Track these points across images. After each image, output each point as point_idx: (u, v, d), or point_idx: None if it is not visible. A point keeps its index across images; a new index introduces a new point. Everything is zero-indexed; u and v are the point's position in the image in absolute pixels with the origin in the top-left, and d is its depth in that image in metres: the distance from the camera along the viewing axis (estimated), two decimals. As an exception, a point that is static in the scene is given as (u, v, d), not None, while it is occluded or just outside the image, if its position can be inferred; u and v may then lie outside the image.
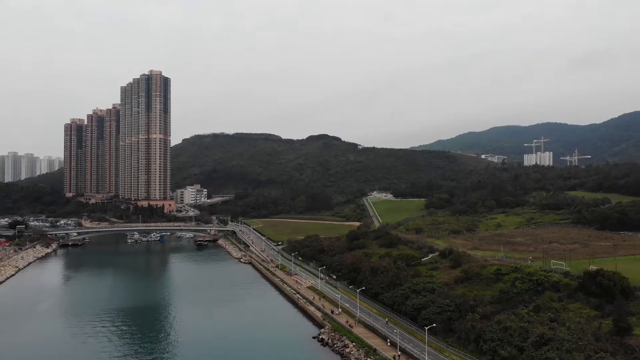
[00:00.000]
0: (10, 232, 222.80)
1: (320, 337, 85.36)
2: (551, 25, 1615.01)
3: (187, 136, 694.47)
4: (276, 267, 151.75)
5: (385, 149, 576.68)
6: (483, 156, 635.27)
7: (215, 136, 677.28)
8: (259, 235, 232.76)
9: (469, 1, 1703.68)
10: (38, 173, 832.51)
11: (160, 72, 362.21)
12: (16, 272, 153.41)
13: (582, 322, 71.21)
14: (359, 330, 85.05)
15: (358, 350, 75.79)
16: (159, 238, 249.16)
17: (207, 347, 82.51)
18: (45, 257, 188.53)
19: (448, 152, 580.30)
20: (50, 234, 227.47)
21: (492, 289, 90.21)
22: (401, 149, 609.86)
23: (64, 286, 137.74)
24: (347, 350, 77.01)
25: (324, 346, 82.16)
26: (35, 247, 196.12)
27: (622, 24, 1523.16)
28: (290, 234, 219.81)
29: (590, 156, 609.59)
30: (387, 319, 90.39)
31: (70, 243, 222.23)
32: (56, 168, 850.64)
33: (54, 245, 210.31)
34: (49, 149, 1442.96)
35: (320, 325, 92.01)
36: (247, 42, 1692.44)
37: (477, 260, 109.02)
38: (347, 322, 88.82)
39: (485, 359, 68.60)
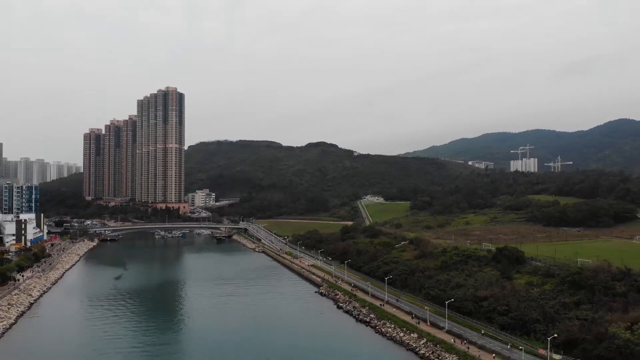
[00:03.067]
0: (57, 230, 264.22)
1: (320, 291, 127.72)
2: (543, 33, 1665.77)
3: (192, 143, 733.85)
4: (285, 253, 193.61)
5: (379, 155, 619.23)
6: (470, 162, 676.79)
7: (219, 143, 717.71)
8: (267, 231, 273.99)
9: (466, 9, 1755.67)
10: (48, 178, 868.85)
11: (176, 88, 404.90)
12: (79, 258, 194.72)
13: (486, 277, 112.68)
14: (347, 287, 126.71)
15: (344, 296, 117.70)
16: (181, 235, 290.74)
17: (243, 302, 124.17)
18: (93, 248, 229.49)
19: (437, 159, 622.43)
20: (91, 231, 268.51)
21: (437, 260, 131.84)
22: (394, 156, 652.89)
23: (121, 269, 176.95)
24: (337, 297, 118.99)
25: (322, 296, 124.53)
26: (84, 241, 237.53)
27: (613, 33, 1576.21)
28: (293, 231, 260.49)
29: (571, 162, 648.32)
30: (368, 282, 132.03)
31: (108, 238, 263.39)
32: (65, 173, 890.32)
33: (96, 240, 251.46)
34: (55, 155, 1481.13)
35: (319, 285, 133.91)
36: (248, 49, 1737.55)
37: (433, 244, 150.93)
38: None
39: (420, 297, 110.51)
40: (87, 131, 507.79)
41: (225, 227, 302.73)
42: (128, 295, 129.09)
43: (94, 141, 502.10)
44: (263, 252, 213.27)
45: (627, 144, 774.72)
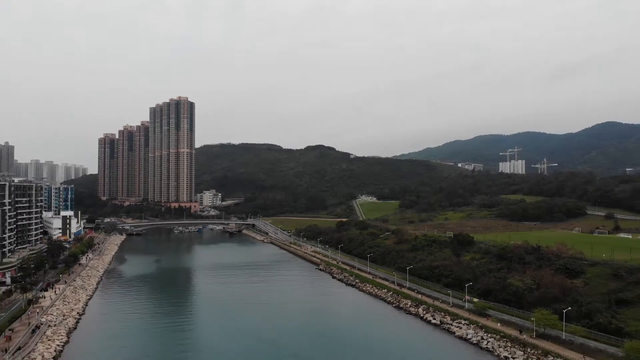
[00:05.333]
0: (90, 225, 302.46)
1: (319, 268, 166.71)
2: (538, 36, 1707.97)
3: (197, 145, 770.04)
4: (290, 243, 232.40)
5: (374, 157, 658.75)
6: (460, 164, 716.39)
7: (222, 146, 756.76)
8: (273, 226, 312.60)
9: (466, 11, 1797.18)
10: (57, 179, 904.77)
11: (187, 97, 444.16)
12: (117, 248, 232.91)
13: (442, 255, 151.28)
14: (341, 265, 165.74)
15: (338, 270, 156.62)
16: (197, 230, 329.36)
17: (263, 275, 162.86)
18: (125, 241, 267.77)
19: (428, 161, 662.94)
20: (119, 227, 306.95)
21: (410, 245, 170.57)
22: (388, 158, 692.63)
23: (157, 255, 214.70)
24: (332, 270, 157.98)
25: (321, 271, 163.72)
26: (116, 235, 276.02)
27: (607, 35, 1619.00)
28: (296, 226, 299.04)
29: (557, 164, 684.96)
30: (356, 260, 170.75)
31: (134, 233, 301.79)
32: (72, 174, 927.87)
33: (124, 234, 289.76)
34: (55, 155, 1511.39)
35: (318, 264, 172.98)
36: (249, 51, 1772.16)
37: (409, 233, 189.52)
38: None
39: (393, 268, 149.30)
40: (102, 136, 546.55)
41: (236, 223, 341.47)
42: (171, 272, 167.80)
43: (109, 145, 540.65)
44: (271, 243, 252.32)
45: (612, 146, 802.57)
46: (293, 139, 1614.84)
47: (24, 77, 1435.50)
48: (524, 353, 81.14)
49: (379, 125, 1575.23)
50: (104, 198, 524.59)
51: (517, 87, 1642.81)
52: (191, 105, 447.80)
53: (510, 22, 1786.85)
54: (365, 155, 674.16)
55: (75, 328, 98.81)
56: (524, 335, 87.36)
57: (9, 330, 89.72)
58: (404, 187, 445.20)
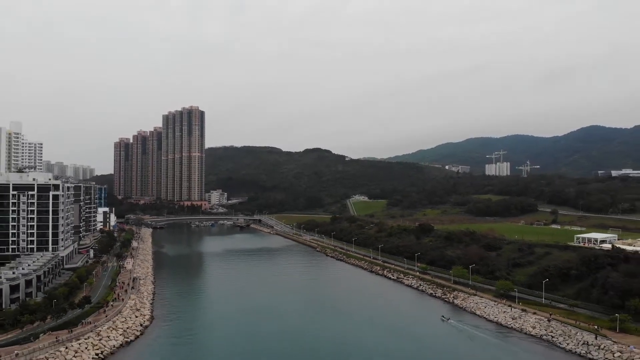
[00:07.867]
0: (120, 220, 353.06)
1: (317, 250, 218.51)
2: (533, 40, 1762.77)
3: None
4: (293, 234, 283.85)
5: (368, 160, 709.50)
6: (447, 167, 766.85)
7: (226, 149, 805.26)
8: (277, 221, 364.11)
9: (466, 13, 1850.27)
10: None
11: (198, 107, 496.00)
12: (151, 237, 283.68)
13: (408, 239, 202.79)
14: (332, 247, 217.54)
15: (330, 250, 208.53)
16: (211, 224, 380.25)
17: (273, 256, 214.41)
18: (153, 232, 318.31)
19: (417, 164, 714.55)
20: (144, 221, 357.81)
21: (387, 232, 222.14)
22: (381, 160, 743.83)
23: (188, 243, 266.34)
24: (327, 251, 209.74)
25: (318, 252, 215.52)
26: (144, 228, 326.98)
27: (598, 42, 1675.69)
28: (296, 222, 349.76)
29: (539, 166, 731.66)
30: (344, 244, 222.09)
31: (158, 227, 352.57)
32: (81, 174, 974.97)
33: (150, 228, 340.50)
34: (54, 155, 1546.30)
35: (315, 248, 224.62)
36: (249, 54, 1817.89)
37: (389, 224, 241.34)
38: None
39: (372, 249, 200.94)
40: (117, 140, 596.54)
41: (244, 219, 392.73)
42: (202, 253, 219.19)
43: (123, 149, 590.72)
44: (276, 234, 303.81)
45: (595, 149, 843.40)
46: (293, 140, 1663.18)
47: (24, 77, 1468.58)
48: (442, 290, 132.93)
49: (377, 126, 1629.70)
50: (119, 197, 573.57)
51: (512, 89, 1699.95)
52: (202, 114, 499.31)
53: (509, 25, 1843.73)
54: (360, 158, 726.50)
55: (155, 281, 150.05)
56: (443, 281, 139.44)
57: (120, 281, 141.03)
58: (393, 188, 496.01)
